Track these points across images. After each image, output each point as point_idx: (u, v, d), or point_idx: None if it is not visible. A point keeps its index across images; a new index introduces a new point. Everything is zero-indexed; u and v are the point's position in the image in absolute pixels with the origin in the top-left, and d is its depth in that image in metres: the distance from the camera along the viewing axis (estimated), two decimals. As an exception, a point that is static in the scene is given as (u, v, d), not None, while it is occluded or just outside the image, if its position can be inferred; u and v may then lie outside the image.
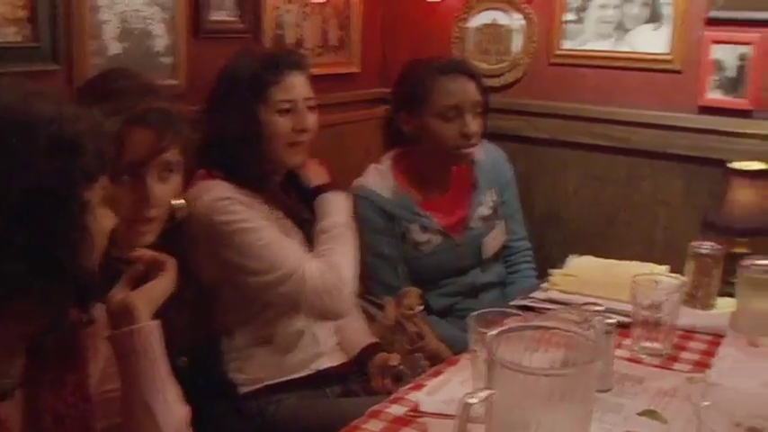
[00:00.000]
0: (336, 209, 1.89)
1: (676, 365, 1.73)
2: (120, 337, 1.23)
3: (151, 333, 1.23)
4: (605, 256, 2.32)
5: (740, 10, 2.31)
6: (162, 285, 1.29)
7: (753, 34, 2.30)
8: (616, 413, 1.47)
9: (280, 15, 2.53)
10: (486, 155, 2.34)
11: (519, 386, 1.11)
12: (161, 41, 2.18)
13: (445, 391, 1.58)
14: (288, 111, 1.84)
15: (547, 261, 2.31)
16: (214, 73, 1.88)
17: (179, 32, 2.22)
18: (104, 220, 1.11)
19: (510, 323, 1.35)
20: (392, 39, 2.92)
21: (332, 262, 1.79)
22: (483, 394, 1.13)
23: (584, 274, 2.19)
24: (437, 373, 1.66)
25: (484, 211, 2.29)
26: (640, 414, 1.47)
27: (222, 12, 2.34)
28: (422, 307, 2.05)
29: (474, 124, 2.17)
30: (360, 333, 2.03)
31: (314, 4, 2.66)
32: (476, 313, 1.46)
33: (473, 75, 2.22)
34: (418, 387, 1.60)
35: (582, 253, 2.34)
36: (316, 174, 1.95)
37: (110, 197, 1.12)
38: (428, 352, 2.01)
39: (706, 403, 1.37)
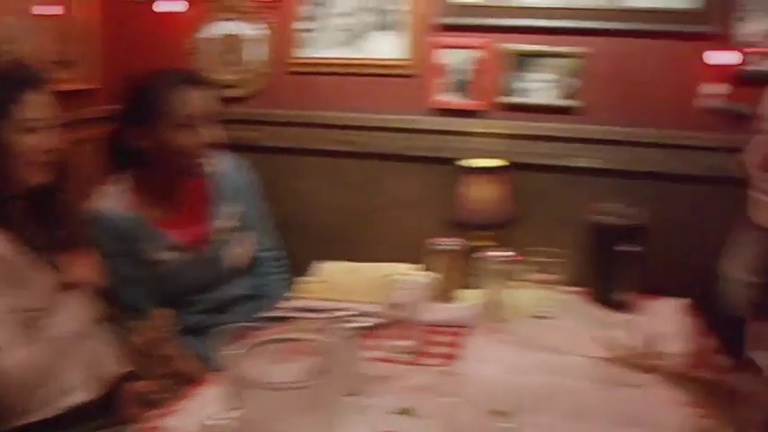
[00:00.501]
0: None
1: (427, 361, 1.76)
2: None
3: None
4: (354, 260, 2.34)
5: (468, 17, 2.42)
6: None
7: (480, 39, 2.42)
8: (368, 415, 1.45)
9: (7, 30, 2.31)
10: (226, 166, 2.27)
11: (263, 401, 1.06)
12: None
13: (195, 412, 1.50)
14: (31, 130, 1.71)
15: (296, 269, 2.28)
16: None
17: None
18: None
19: (255, 337, 1.31)
20: (129, 53, 2.76)
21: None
22: (225, 414, 1.07)
23: (333, 279, 2.19)
24: (187, 396, 1.58)
25: (226, 223, 2.22)
26: (393, 413, 1.47)
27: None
28: (172, 328, 1.94)
29: (209, 135, 2.09)
30: (112, 362, 1.89)
31: (44, 16, 2.47)
32: (222, 329, 1.40)
33: (206, 85, 2.15)
34: (169, 412, 1.51)
35: (331, 259, 2.35)
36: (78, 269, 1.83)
37: None
38: (180, 375, 1.91)
39: (455, 395, 1.41)
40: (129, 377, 1.89)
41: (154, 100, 2.08)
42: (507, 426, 1.21)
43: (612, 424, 1.49)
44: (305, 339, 1.28)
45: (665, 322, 1.98)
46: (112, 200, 2.11)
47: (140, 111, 2.10)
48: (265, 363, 1.26)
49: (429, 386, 1.59)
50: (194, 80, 2.14)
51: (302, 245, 2.59)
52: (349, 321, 1.64)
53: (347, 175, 2.59)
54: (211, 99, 2.13)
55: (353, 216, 2.61)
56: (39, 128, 1.74)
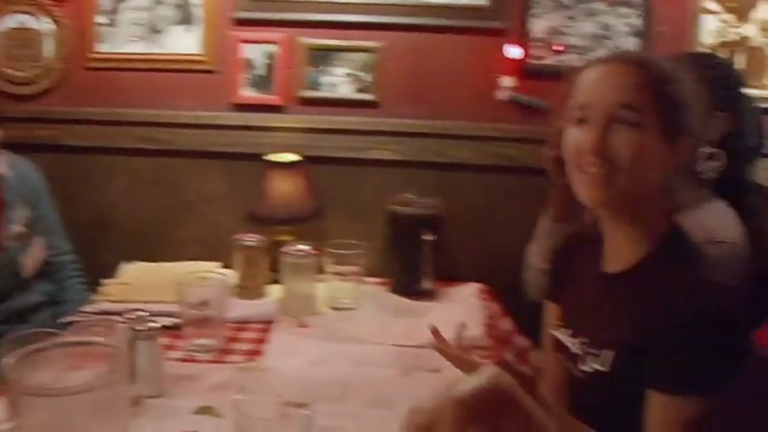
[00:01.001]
0: None
1: (230, 358, 1.77)
2: None
3: None
4: (161, 260, 2.30)
5: (265, 11, 2.42)
6: None
7: (277, 34, 2.43)
8: (171, 416, 1.45)
9: None
10: (13, 169, 2.16)
11: (42, 409, 1.03)
12: None
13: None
14: None
15: (100, 272, 2.21)
16: None
17: None
18: None
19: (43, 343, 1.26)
20: None
21: None
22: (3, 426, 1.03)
23: (137, 280, 2.15)
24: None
25: (16, 228, 2.11)
26: (195, 413, 1.47)
27: None
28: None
29: None
30: None
31: None
32: (10, 337, 1.33)
33: None
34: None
35: (138, 259, 2.30)
36: None
37: None
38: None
39: (254, 390, 1.42)
40: None
41: None
42: (302, 417, 1.24)
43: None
44: (94, 343, 1.24)
45: (466, 308, 2.08)
46: None
47: None
48: (57, 370, 1.23)
49: (230, 383, 1.60)
50: None
51: (108, 246, 2.52)
52: (150, 322, 1.61)
53: (152, 174, 2.53)
54: None
55: (160, 215, 2.55)
56: None
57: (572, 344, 1.51)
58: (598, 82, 1.41)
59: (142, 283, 2.12)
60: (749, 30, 2.44)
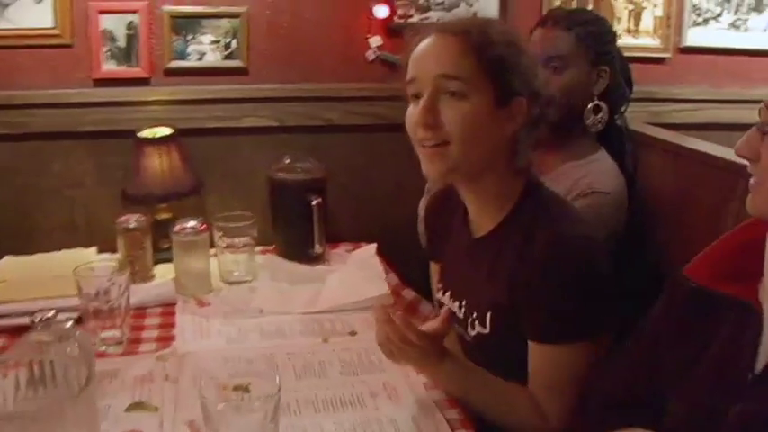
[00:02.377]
0: None
1: (142, 347, 1.70)
2: None
3: None
4: (30, 252, 2.15)
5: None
6: None
7: (138, 2, 2.28)
8: (103, 419, 1.36)
9: None
10: None
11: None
12: None
13: None
14: None
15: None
16: None
17: None
18: None
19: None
20: None
21: None
22: None
23: (14, 276, 2.00)
24: None
25: None
26: (128, 410, 1.41)
27: None
28: None
29: None
30: None
31: None
32: None
33: None
34: None
35: (2, 254, 2.13)
36: None
37: None
38: None
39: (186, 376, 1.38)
40: None
41: None
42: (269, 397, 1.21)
43: (345, 373, 1.58)
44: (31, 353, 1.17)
45: (365, 268, 2.10)
46: None
47: None
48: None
49: (154, 373, 1.55)
50: None
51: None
52: (51, 320, 1.52)
53: (8, 161, 2.33)
54: None
55: (22, 205, 2.36)
56: None
57: (455, 307, 1.57)
58: (423, 55, 1.42)
59: (20, 279, 1.98)
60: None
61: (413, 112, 1.43)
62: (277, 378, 1.21)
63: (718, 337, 1.11)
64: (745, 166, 1.07)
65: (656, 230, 1.91)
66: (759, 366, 1.03)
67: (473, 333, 1.50)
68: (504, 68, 1.40)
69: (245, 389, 1.27)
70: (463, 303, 1.54)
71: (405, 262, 2.17)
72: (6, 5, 2.20)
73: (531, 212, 1.44)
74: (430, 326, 1.44)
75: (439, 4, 2.47)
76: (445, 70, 1.39)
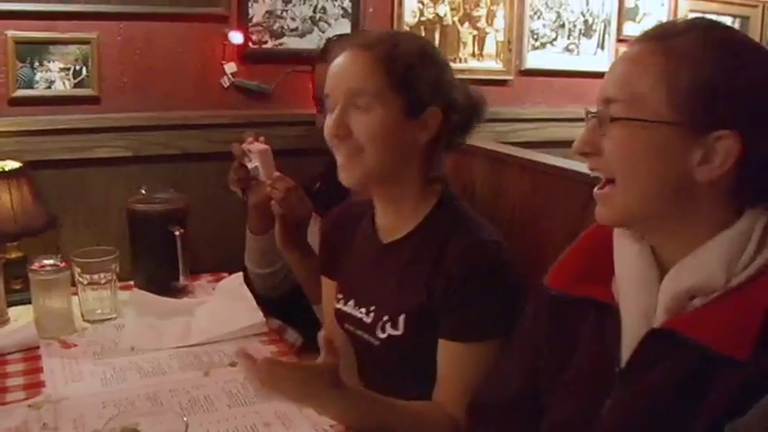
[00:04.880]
0: None
1: (9, 396, 1.58)
2: None
3: None
4: None
5: None
6: None
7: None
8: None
9: None
10: None
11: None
12: None
13: None
14: None
15: None
16: None
17: None
18: None
19: None
20: None
21: None
22: None
23: None
24: None
25: None
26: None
27: None
28: None
29: None
30: None
31: None
32: None
33: None
34: None
35: None
36: None
37: None
38: None
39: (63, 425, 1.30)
40: None
41: None
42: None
43: (234, 405, 1.54)
44: None
45: (234, 298, 2.06)
46: None
47: None
48: None
49: (29, 424, 1.44)
50: None
51: None
52: None
53: None
54: None
55: None
56: None
57: (361, 314, 1.59)
58: (335, 71, 1.51)
59: None
60: (442, 9, 2.68)
61: (328, 123, 1.49)
62: (179, 414, 1.17)
63: (582, 340, 1.18)
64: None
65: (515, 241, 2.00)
66: (623, 360, 1.09)
67: (383, 336, 1.53)
68: (410, 81, 1.46)
69: (135, 430, 1.22)
70: (371, 309, 1.56)
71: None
72: None
73: (445, 219, 1.52)
74: (320, 360, 1.41)
75: (293, 30, 2.48)
76: (353, 84, 1.46)
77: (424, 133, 1.50)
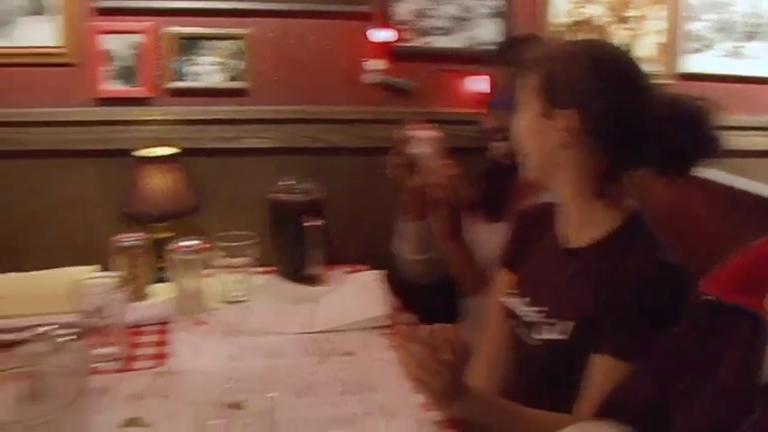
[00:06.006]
0: None
1: (137, 364, 1.68)
2: None
3: None
4: (25, 270, 2.13)
5: (127, 0, 2.30)
6: None
7: (142, 23, 2.31)
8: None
9: None
10: None
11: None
12: None
13: None
14: None
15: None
16: None
17: None
18: None
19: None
20: None
21: None
22: None
23: (12, 293, 1.99)
24: None
25: None
26: (123, 426, 1.39)
27: None
28: None
29: None
30: None
31: None
32: None
33: None
34: None
35: (6, 271, 2.11)
36: None
37: None
38: None
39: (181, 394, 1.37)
40: None
41: None
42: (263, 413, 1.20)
43: (341, 393, 1.56)
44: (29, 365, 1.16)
45: (364, 290, 2.09)
46: None
47: None
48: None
49: (150, 390, 1.53)
50: None
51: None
52: (47, 335, 1.51)
53: (5, 178, 2.33)
54: None
55: (17, 222, 2.35)
56: None
57: (526, 313, 1.57)
58: None
59: (15, 295, 1.97)
60: (596, 9, 2.59)
61: None
62: (271, 396, 1.20)
63: (728, 352, 1.11)
64: None
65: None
66: (766, 376, 1.02)
67: (547, 338, 1.50)
68: (548, 83, 1.47)
69: (240, 406, 1.26)
70: (543, 309, 1.54)
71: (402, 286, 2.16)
72: (8, 24, 2.21)
73: (630, 237, 1.49)
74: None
75: (439, 28, 2.49)
76: None
77: (557, 134, 1.47)
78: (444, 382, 1.33)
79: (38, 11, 2.25)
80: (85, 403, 1.29)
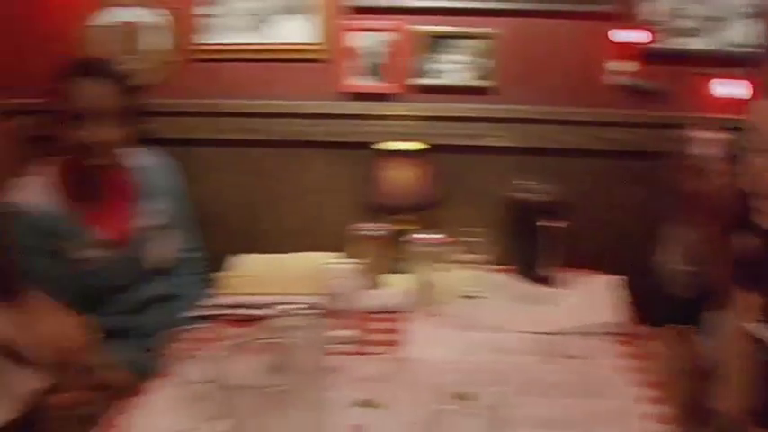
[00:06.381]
0: None
1: (370, 348, 1.74)
2: None
3: None
4: (267, 252, 2.27)
5: (380, -1, 2.40)
6: None
7: (392, 22, 2.40)
8: (330, 409, 1.41)
9: None
10: (150, 162, 2.18)
11: (252, 406, 1.02)
12: None
13: (147, 427, 1.42)
14: None
15: (211, 265, 2.20)
16: None
17: None
18: None
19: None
20: (16, 43, 2.54)
21: None
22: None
23: (259, 272, 2.13)
24: (125, 408, 1.48)
25: (150, 220, 2.11)
26: (356, 405, 1.45)
27: None
28: (92, 335, 1.82)
29: (104, 131, 1.97)
30: (28, 377, 1.75)
31: None
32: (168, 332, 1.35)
33: (104, 76, 2.02)
34: (109, 427, 1.41)
35: (247, 252, 2.27)
36: None
37: None
38: (105, 384, 1.80)
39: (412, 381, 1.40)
40: (52, 391, 1.76)
41: (56, 91, 1.98)
42: (474, 406, 1.20)
43: (566, 395, 1.53)
44: (276, 337, 1.24)
45: (599, 296, 2.03)
46: (32, 193, 1.99)
47: (51, 103, 2.00)
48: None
49: (383, 375, 1.58)
50: (91, 71, 2.02)
51: (211, 239, 2.47)
52: (299, 314, 1.59)
53: (256, 165, 2.52)
54: (108, 92, 2.00)
55: (264, 207, 2.54)
56: None
57: None
58: None
59: (264, 275, 2.10)
60: None
61: None
62: (502, 390, 1.19)
63: None
64: None
65: None
66: None
67: None
68: None
69: (468, 397, 1.27)
70: None
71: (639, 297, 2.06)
72: (266, 22, 2.38)
73: None
74: None
75: (688, 30, 2.35)
76: None
77: None
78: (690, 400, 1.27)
79: (293, 10, 2.40)
80: (323, 379, 1.36)
